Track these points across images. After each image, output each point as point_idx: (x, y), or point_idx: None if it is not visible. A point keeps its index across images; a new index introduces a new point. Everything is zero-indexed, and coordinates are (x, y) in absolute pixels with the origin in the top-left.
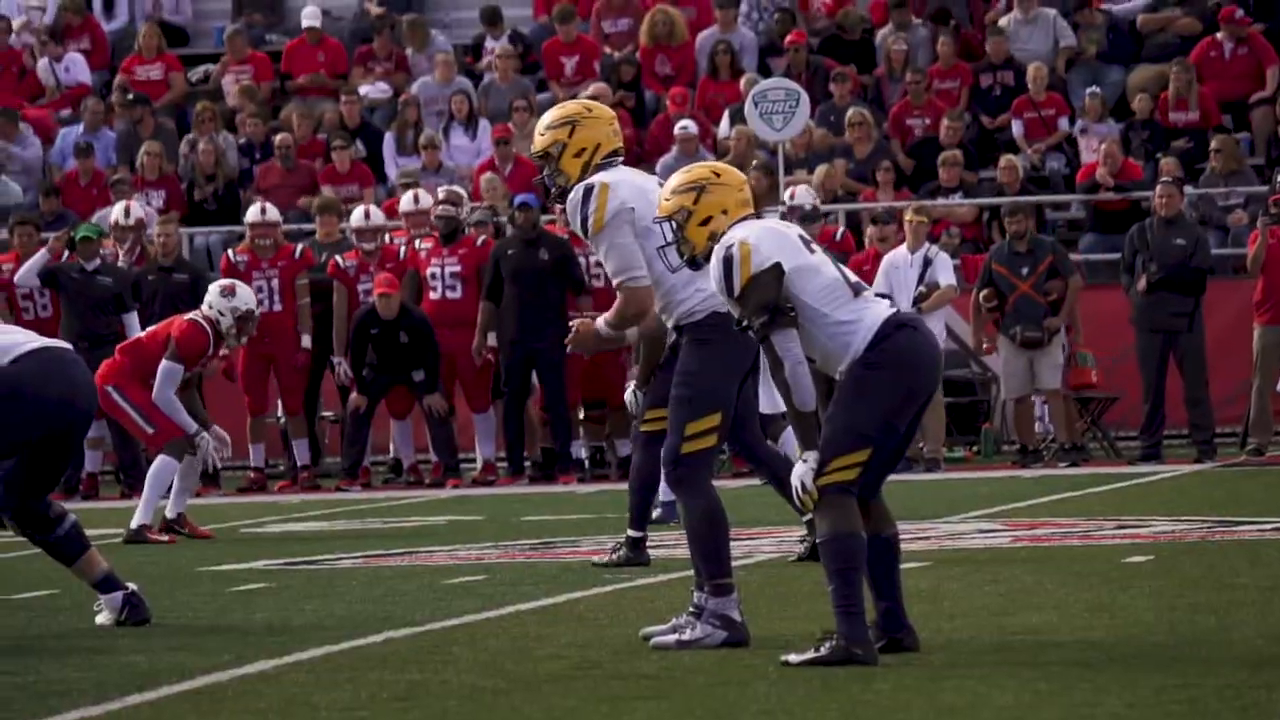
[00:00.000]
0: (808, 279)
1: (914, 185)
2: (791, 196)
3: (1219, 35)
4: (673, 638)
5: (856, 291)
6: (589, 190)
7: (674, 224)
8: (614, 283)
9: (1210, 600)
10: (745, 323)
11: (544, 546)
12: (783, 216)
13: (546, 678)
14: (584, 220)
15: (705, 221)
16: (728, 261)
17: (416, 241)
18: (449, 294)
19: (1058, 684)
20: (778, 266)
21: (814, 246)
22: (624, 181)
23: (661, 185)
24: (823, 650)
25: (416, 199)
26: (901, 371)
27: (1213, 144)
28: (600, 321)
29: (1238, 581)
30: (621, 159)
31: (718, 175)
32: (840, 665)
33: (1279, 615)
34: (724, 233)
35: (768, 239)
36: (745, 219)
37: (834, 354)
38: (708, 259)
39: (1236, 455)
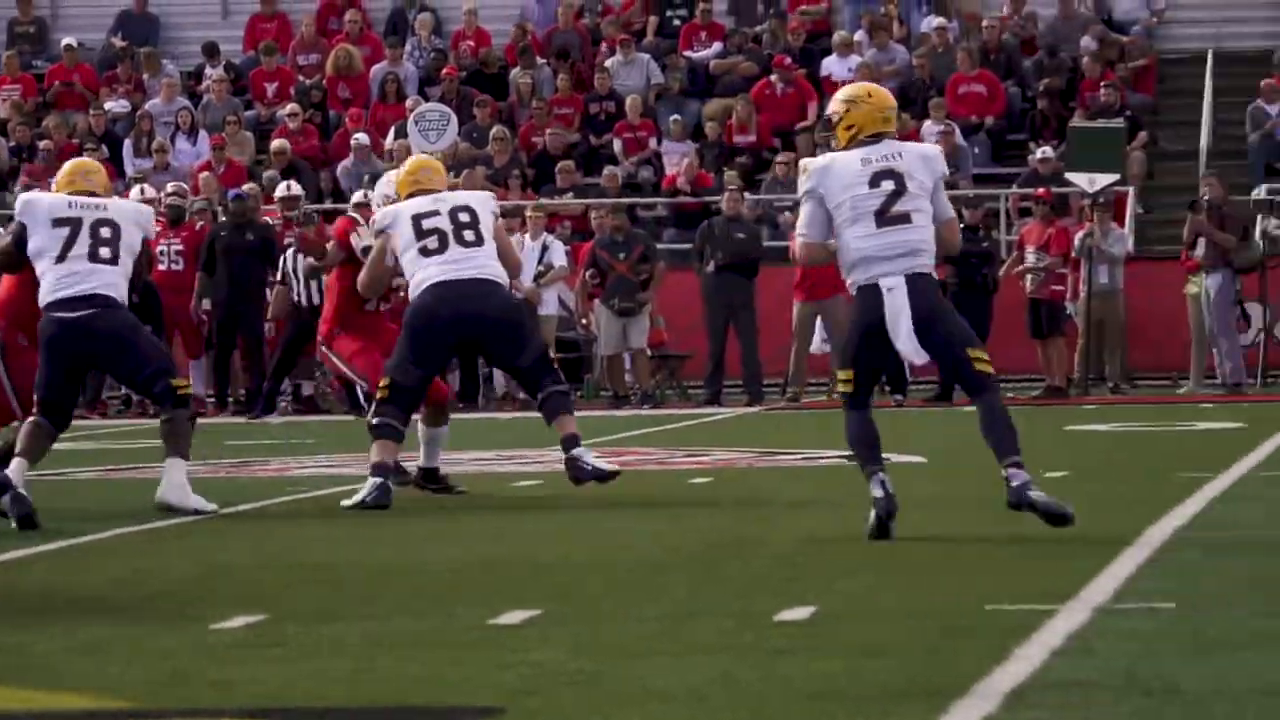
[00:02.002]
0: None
1: (536, 187)
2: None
3: (772, 78)
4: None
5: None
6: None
7: None
8: None
9: (751, 515)
10: None
11: (242, 465)
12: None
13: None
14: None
15: None
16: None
17: None
18: (173, 266)
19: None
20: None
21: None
22: None
23: None
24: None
25: (143, 191)
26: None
27: (779, 158)
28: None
29: (777, 498)
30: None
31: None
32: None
33: (804, 524)
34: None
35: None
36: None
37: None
38: None
39: (778, 401)
